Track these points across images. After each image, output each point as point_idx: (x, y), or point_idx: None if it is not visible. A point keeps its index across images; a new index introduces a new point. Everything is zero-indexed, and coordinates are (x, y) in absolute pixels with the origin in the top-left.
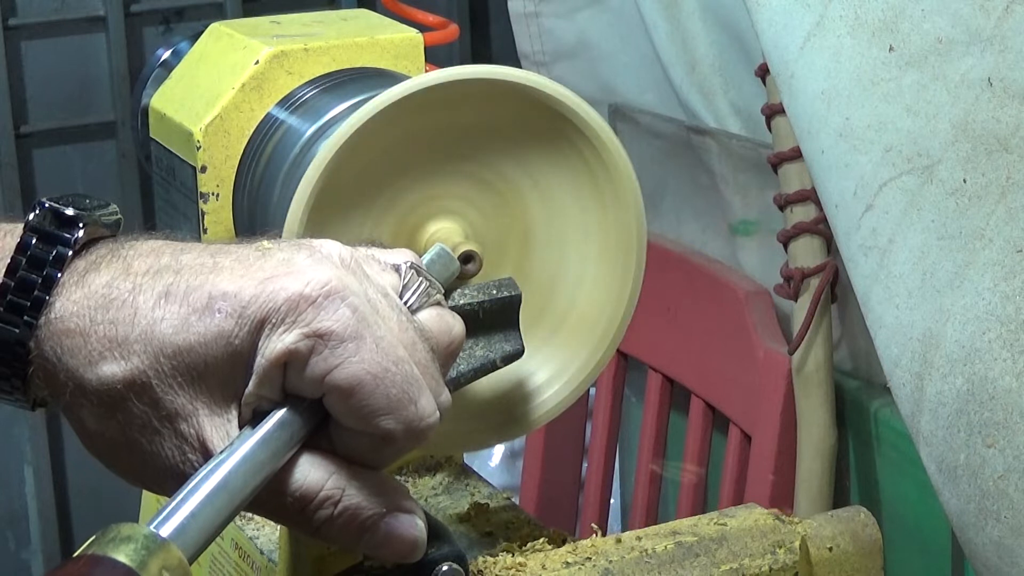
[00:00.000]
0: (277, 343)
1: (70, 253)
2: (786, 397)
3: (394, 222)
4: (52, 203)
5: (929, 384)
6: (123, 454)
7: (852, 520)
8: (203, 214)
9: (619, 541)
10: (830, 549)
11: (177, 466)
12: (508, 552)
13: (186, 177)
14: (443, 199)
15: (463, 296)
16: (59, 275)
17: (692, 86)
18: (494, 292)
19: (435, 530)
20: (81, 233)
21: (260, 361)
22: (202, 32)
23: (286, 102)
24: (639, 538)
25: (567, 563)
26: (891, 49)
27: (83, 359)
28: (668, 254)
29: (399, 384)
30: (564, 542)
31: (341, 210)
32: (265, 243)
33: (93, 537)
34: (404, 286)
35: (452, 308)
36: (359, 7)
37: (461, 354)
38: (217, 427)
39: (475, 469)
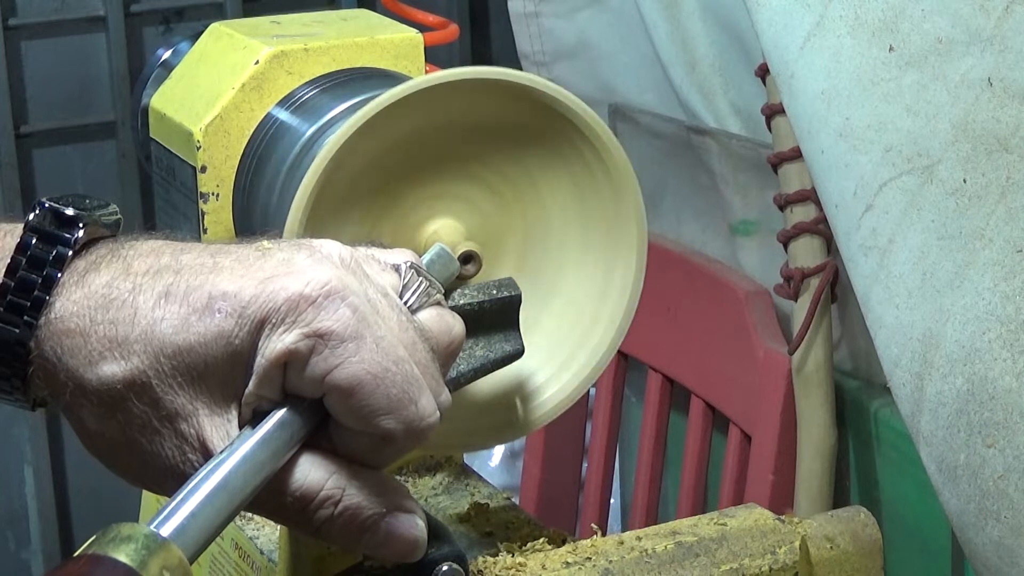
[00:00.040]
0: (277, 343)
1: (70, 253)
2: (786, 397)
3: (394, 222)
4: (52, 203)
5: (929, 384)
6: (123, 454)
7: (852, 520)
8: (203, 214)
9: (621, 543)
10: (830, 549)
11: (177, 466)
12: (508, 552)
13: (186, 177)
14: (443, 199)
15: (463, 296)
16: (59, 275)
17: (692, 86)
18: (494, 292)
19: (435, 530)
20: (81, 233)
21: (260, 361)
22: (202, 32)
23: (286, 102)
24: (639, 538)
25: (567, 563)
26: (891, 49)
27: (83, 359)
28: (668, 254)
29: (399, 384)
30: (564, 542)
31: (341, 210)
32: (265, 243)
33: (93, 537)
34: (404, 286)
35: (452, 308)
36: (359, 7)
37: (461, 354)
38: (217, 427)
39: (475, 469)
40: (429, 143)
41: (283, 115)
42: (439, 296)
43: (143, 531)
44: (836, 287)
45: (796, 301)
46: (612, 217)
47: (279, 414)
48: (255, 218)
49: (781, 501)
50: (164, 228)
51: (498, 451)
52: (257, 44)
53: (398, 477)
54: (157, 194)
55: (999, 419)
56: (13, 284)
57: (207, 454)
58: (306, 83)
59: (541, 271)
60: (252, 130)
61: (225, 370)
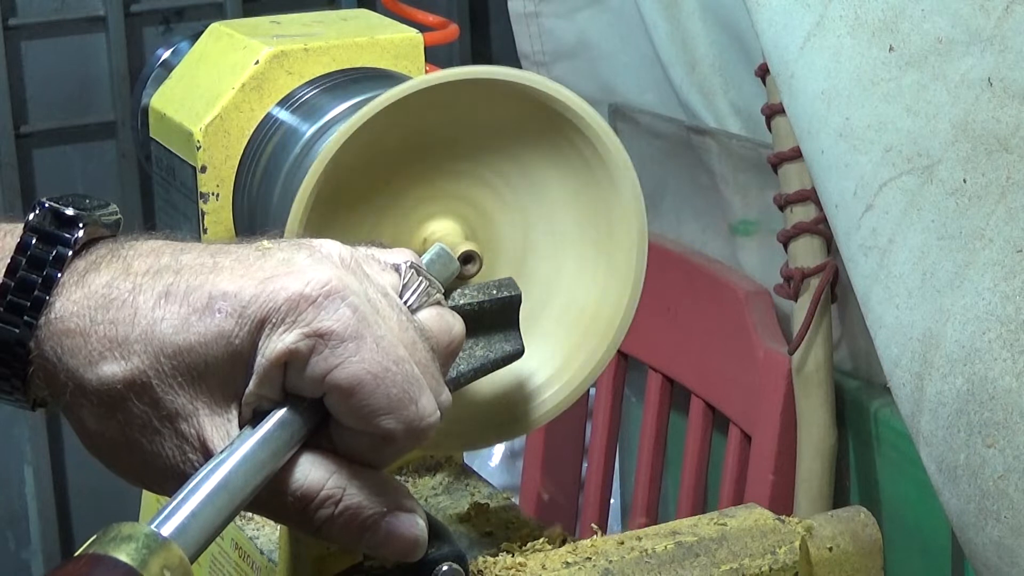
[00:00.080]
0: (277, 343)
1: (70, 253)
2: (786, 397)
3: (394, 222)
4: (52, 203)
5: (929, 384)
6: (123, 454)
7: (852, 520)
8: (203, 214)
9: (621, 543)
10: (830, 549)
11: (178, 466)
12: (508, 552)
13: (186, 177)
14: (443, 199)
15: (463, 296)
16: (59, 275)
17: (692, 86)
18: (494, 292)
19: (435, 530)
20: (81, 233)
21: (260, 361)
22: (202, 32)
23: (286, 102)
24: (639, 538)
25: (567, 563)
26: (891, 49)
27: (83, 359)
28: (668, 254)
29: (399, 384)
30: (564, 542)
31: (341, 210)
32: (265, 243)
33: (94, 536)
34: (404, 286)
35: (452, 308)
36: (359, 7)
37: (461, 354)
38: (217, 427)
39: (475, 469)
40: (429, 143)
41: (283, 115)
42: (439, 296)
43: (144, 530)
44: (836, 287)
45: (796, 301)
46: (612, 217)
47: (279, 414)
48: (255, 218)
49: (781, 501)
50: (164, 228)
51: (498, 451)
52: (257, 44)
53: (398, 477)
54: (157, 194)
55: (999, 419)
56: (13, 284)
57: (207, 454)
58: (306, 83)
59: (541, 271)
60: (252, 130)
61: (225, 370)
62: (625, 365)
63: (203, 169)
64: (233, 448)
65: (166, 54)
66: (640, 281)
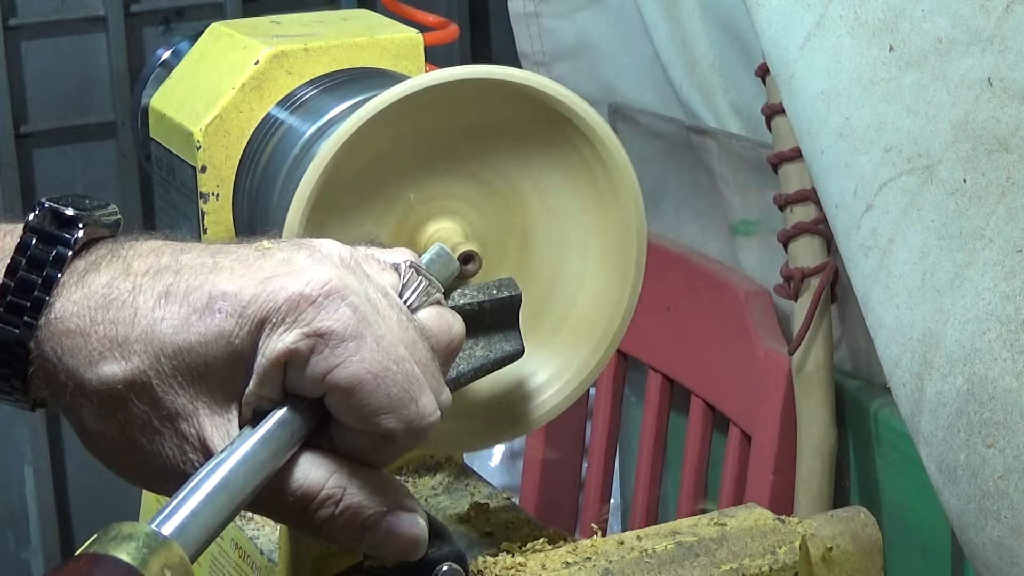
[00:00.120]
0: (277, 343)
1: (70, 253)
2: (786, 397)
3: (394, 222)
4: (52, 203)
5: (929, 384)
6: (124, 454)
7: (852, 520)
8: (203, 214)
9: (621, 543)
10: (830, 549)
11: (178, 466)
12: (508, 552)
13: (186, 177)
14: (443, 199)
15: (463, 296)
16: (59, 275)
17: (692, 86)
18: (494, 292)
19: (435, 530)
20: (81, 233)
21: (260, 360)
22: (202, 32)
23: (286, 102)
24: (639, 538)
25: (567, 563)
26: (891, 49)
27: (83, 359)
28: (668, 254)
29: (400, 383)
30: (564, 542)
31: (341, 210)
32: (265, 243)
33: (94, 536)
34: (404, 285)
35: (452, 308)
36: (359, 7)
37: (461, 354)
38: (218, 427)
39: (475, 469)
40: (429, 143)
41: (283, 115)
42: (439, 295)
43: (144, 530)
44: (836, 287)
45: (796, 301)
46: (612, 217)
47: (279, 413)
48: (255, 218)
49: (781, 501)
50: (164, 228)
51: (498, 451)
52: (257, 44)
53: (398, 477)
54: (157, 194)
55: (999, 419)
56: (13, 284)
57: (208, 454)
58: (306, 83)
59: (541, 271)
60: (252, 130)
61: (225, 370)
62: (625, 365)
63: (203, 169)
64: (233, 448)
65: (166, 54)
66: (640, 281)
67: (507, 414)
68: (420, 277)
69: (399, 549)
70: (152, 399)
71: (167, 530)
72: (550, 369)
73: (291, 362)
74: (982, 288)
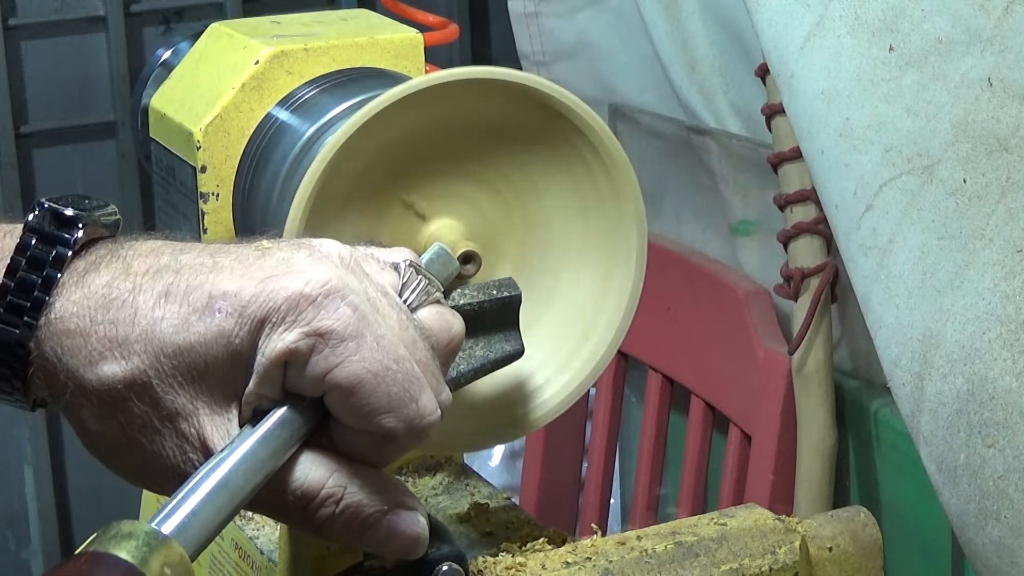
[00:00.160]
0: (277, 342)
1: (69, 253)
2: (786, 397)
3: (394, 222)
4: (51, 203)
5: (929, 384)
6: (124, 454)
7: (852, 520)
8: (203, 214)
9: (622, 543)
10: (830, 549)
11: (178, 466)
12: (508, 552)
13: (186, 177)
14: (443, 199)
15: (463, 296)
16: (59, 275)
17: (692, 86)
18: (494, 292)
19: (435, 530)
20: (80, 234)
21: (260, 360)
22: (202, 32)
23: (286, 102)
24: (639, 538)
25: (567, 563)
26: (891, 49)
27: (83, 359)
28: (668, 254)
29: (400, 382)
30: (564, 542)
31: (341, 210)
32: (265, 243)
33: (95, 535)
34: (403, 284)
35: (452, 308)
36: (359, 7)
37: (461, 354)
38: (218, 426)
39: (475, 469)
40: (429, 143)
41: (283, 115)
42: (438, 294)
43: (144, 528)
44: (836, 287)
45: (796, 301)
46: (612, 217)
47: (279, 413)
48: (255, 218)
49: (781, 501)
50: (164, 228)
51: (498, 451)
52: (257, 44)
53: (398, 477)
54: (157, 194)
55: (999, 419)
56: (13, 285)
57: (208, 453)
58: (306, 83)
59: (541, 271)
60: (252, 130)
61: (225, 369)
62: (625, 365)
63: (203, 169)
64: (233, 447)
65: (166, 54)
66: (640, 281)
67: (507, 414)
68: (420, 276)
69: (400, 548)
70: (152, 399)
71: (167, 529)
72: (550, 369)
73: (291, 361)
74: (982, 288)
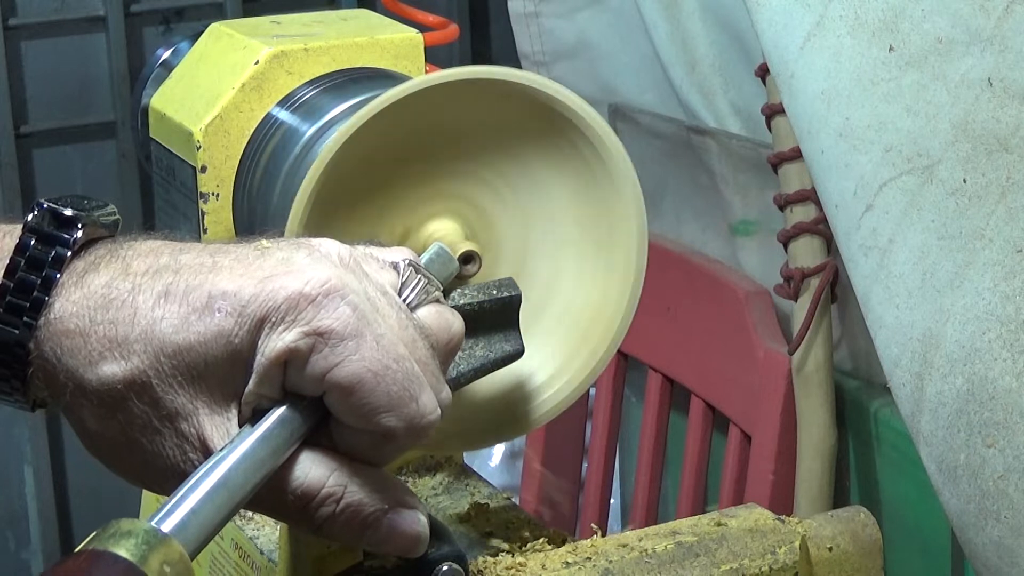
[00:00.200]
0: (277, 342)
1: (69, 254)
2: (786, 397)
3: (394, 222)
4: (50, 204)
5: (929, 384)
6: (124, 454)
7: (852, 520)
8: (203, 214)
9: (623, 545)
10: (830, 549)
11: (178, 465)
12: (508, 552)
13: (186, 177)
14: (443, 199)
15: (463, 296)
16: (58, 276)
17: (692, 86)
18: (494, 292)
19: (435, 530)
20: (80, 234)
21: (260, 360)
22: (202, 32)
23: (286, 102)
24: (639, 538)
25: (567, 563)
26: (891, 49)
27: (83, 359)
28: (668, 254)
29: (400, 381)
30: (564, 542)
31: (341, 210)
32: (264, 242)
33: (94, 533)
34: (403, 283)
35: (452, 308)
36: (359, 7)
37: (461, 354)
38: (217, 426)
39: (475, 469)
40: (429, 143)
41: (283, 115)
42: (438, 293)
43: (143, 526)
44: (836, 287)
45: (796, 301)
46: (612, 217)
47: (279, 412)
48: (255, 218)
49: (781, 501)
50: (164, 228)
51: (498, 451)
52: (257, 44)
53: (398, 476)
54: (157, 194)
55: (999, 419)
56: (12, 285)
57: (207, 453)
58: (306, 83)
59: (541, 271)
60: (252, 130)
61: (225, 369)
62: (625, 365)
63: (203, 169)
64: (233, 446)
65: (166, 54)
66: (640, 281)
67: (507, 414)
68: (419, 275)
69: (401, 546)
70: (152, 399)
71: (167, 527)
72: (550, 369)
73: (291, 361)
74: (982, 288)
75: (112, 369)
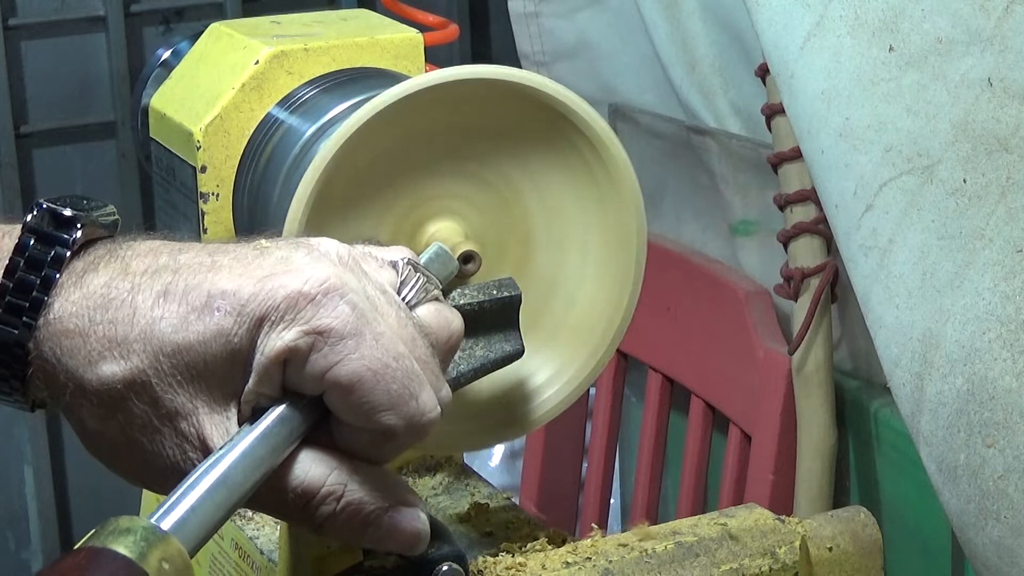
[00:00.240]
0: (276, 341)
1: (68, 254)
2: (786, 397)
3: (394, 222)
4: (50, 204)
5: (929, 384)
6: (124, 454)
7: (852, 520)
8: (203, 214)
9: (623, 545)
10: (830, 549)
11: (178, 465)
12: (508, 552)
13: (186, 177)
14: (443, 199)
15: (463, 296)
16: (57, 276)
17: (692, 86)
18: (494, 292)
19: (435, 530)
20: (79, 234)
21: (259, 359)
22: (202, 32)
23: (286, 102)
24: (639, 538)
25: (567, 563)
26: (891, 49)
27: (83, 359)
28: (668, 254)
29: (399, 380)
30: (564, 542)
31: (341, 210)
32: (263, 242)
33: (93, 530)
34: (402, 282)
35: (452, 307)
36: (359, 7)
37: (461, 354)
38: (217, 425)
39: (475, 469)
40: (429, 143)
41: (283, 115)
42: (437, 292)
43: (142, 524)
44: (836, 287)
45: (796, 301)
46: (612, 217)
47: (278, 410)
48: (255, 218)
49: (781, 501)
50: (164, 228)
51: (498, 451)
52: (257, 44)
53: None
54: (157, 194)
55: (999, 419)
56: (12, 285)
57: (207, 452)
58: (306, 83)
59: (541, 271)
60: (252, 130)
61: (224, 368)
62: (625, 365)
63: (203, 169)
64: (232, 444)
65: (166, 54)
66: (640, 281)
67: (507, 414)
68: (418, 274)
69: (401, 544)
70: (151, 398)
71: (166, 524)
72: (550, 369)
73: (290, 360)
74: (982, 288)
75: (112, 369)
